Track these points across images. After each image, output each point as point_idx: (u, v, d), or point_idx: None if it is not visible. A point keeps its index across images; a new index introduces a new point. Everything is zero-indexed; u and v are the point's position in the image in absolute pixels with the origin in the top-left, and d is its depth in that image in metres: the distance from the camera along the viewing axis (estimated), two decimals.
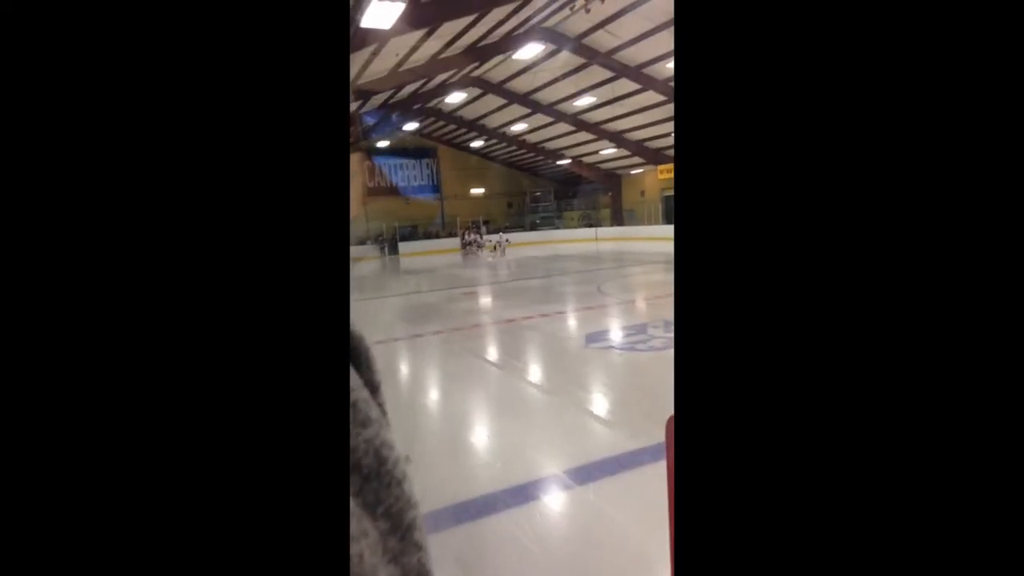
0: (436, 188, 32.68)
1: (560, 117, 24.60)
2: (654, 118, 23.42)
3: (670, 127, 25.20)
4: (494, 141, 30.31)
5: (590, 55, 18.57)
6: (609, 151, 28.18)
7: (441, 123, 29.36)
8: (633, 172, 31.06)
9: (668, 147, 30.02)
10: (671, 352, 5.98)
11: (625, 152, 27.78)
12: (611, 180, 32.23)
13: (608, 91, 20.74)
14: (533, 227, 33.44)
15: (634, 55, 18.23)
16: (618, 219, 32.06)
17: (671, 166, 29.22)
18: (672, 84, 20.87)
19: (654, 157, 28.02)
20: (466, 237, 29.65)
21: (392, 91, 20.81)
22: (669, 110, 21.83)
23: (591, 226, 31.50)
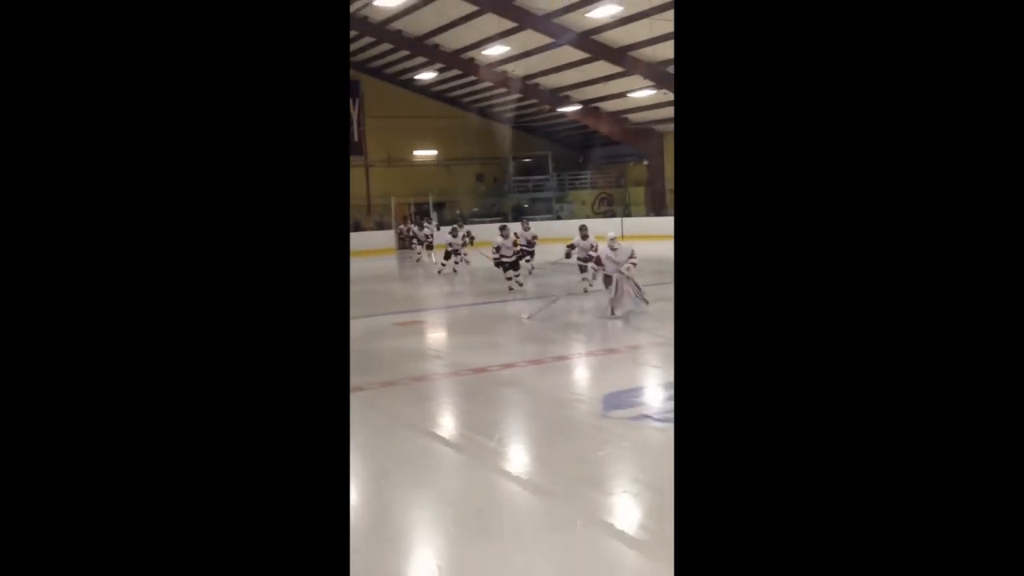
0: (354, 147, 23.23)
1: (565, 37, 18.56)
2: None
3: None
4: (455, 73, 22.86)
5: None
6: (644, 93, 22.08)
7: (367, 39, 21.34)
8: None
9: None
10: None
11: (670, 96, 20.36)
12: (647, 141, 25.58)
13: None
14: (519, 215, 23.74)
15: None
16: (659, 204, 25.25)
17: None
18: None
19: None
20: (405, 230, 21.79)
21: None
22: None
23: (613, 215, 24.33)
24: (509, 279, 12.54)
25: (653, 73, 21.21)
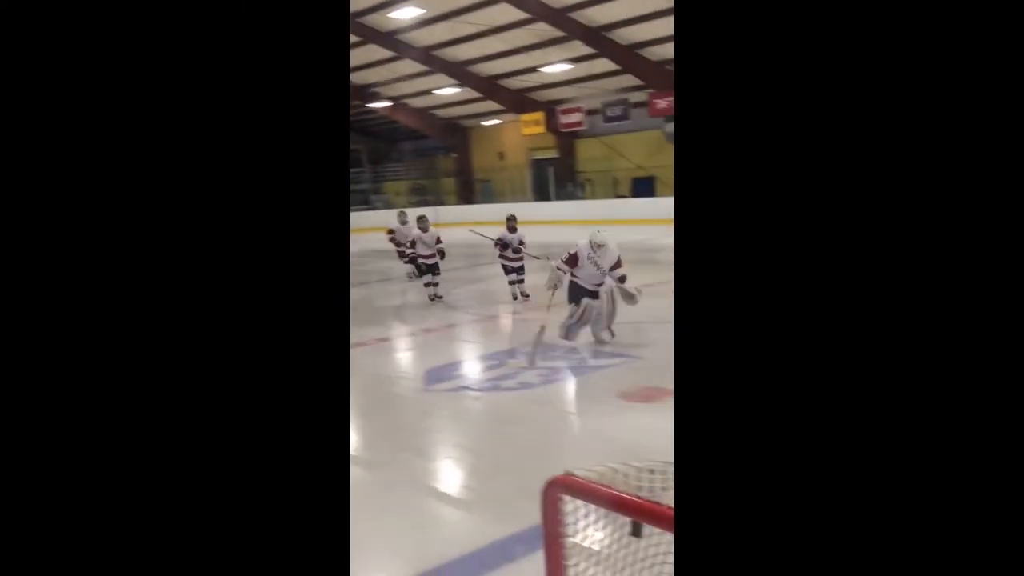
0: None
1: (370, 36, 19.00)
2: (516, 43, 18.66)
3: (538, 57, 19.82)
4: None
5: None
6: (448, 91, 22.70)
7: None
8: (486, 124, 25.74)
9: (536, 87, 22.00)
10: (549, 388, 5.79)
11: (473, 93, 22.58)
12: (454, 135, 26.42)
13: None
14: None
15: None
16: (467, 193, 26.27)
17: (539, 115, 23.42)
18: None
19: (516, 102, 22.73)
20: None
21: None
22: (538, 32, 17.74)
23: (427, 204, 24.03)
24: (428, 285, 9.40)
25: (456, 72, 21.75)
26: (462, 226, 12.46)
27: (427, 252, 9.28)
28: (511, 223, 9.04)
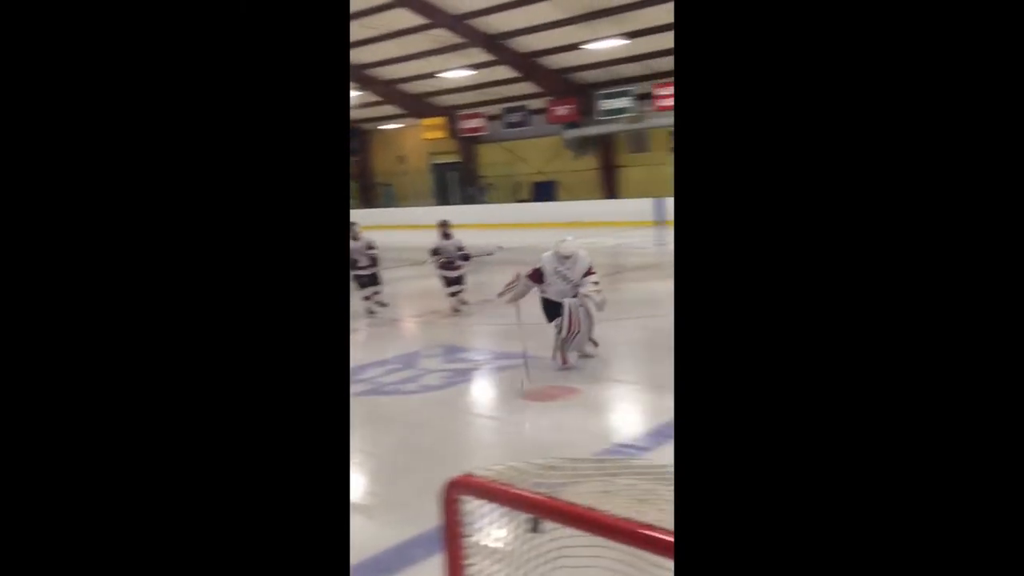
0: None
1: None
2: (415, 48, 18.89)
3: (437, 63, 19.94)
4: None
5: None
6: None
7: None
8: (385, 128, 25.92)
9: (436, 92, 22.37)
10: (451, 390, 5.73)
11: (373, 97, 22.54)
12: (354, 139, 26.04)
13: None
14: None
15: None
16: (368, 197, 26.48)
17: (441, 120, 23.55)
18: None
19: (416, 106, 23.06)
20: None
21: None
22: (437, 37, 17.93)
23: None
24: (367, 298, 8.46)
25: (354, 75, 21.47)
26: (366, 230, 12.25)
27: (364, 262, 8.35)
28: (444, 228, 8.24)
